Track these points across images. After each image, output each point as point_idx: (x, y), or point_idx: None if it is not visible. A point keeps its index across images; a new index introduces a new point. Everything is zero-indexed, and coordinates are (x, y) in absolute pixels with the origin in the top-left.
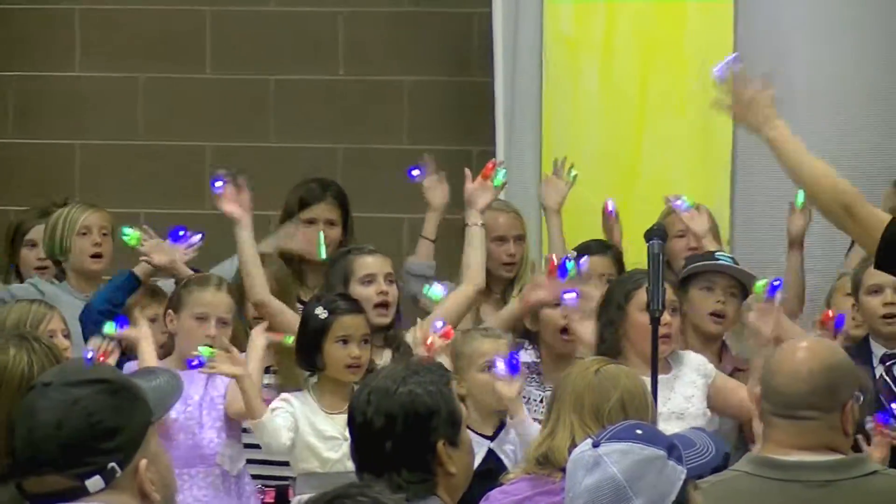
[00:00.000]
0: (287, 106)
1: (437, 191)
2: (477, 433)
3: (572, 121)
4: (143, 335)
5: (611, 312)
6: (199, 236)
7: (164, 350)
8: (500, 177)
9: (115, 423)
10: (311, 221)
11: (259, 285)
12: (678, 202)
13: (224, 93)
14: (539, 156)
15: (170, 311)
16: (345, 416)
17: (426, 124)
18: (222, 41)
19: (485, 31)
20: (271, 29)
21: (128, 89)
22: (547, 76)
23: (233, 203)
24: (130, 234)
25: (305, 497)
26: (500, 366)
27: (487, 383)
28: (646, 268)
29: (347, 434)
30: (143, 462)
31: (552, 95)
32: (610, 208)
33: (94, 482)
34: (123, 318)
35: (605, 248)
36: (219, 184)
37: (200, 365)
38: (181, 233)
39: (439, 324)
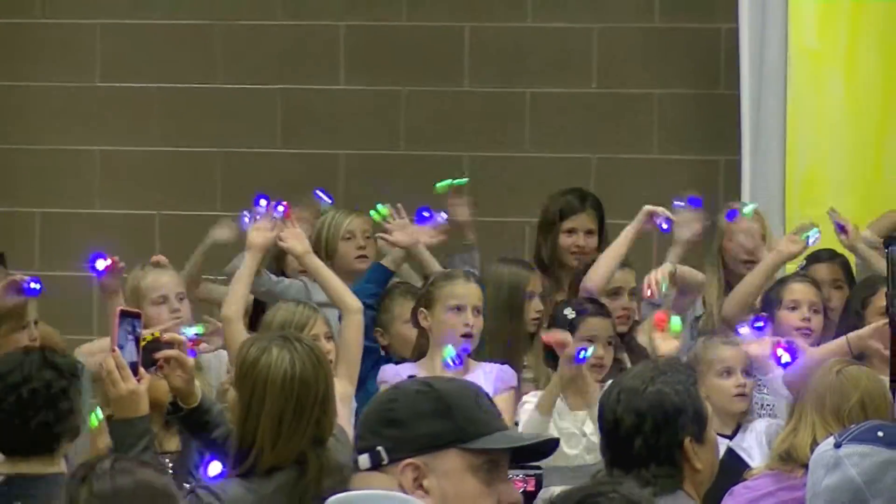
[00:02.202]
0: (542, 117)
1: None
2: (717, 434)
3: (816, 130)
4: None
5: (850, 319)
6: (444, 216)
7: (418, 351)
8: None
9: (405, 417)
10: (572, 231)
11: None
12: None
13: (481, 105)
14: (783, 165)
15: (422, 308)
16: (584, 414)
17: (675, 135)
18: (480, 55)
19: (731, 46)
20: (527, 44)
21: (389, 102)
22: (792, 88)
23: None
24: (380, 209)
25: (554, 489)
26: (745, 331)
27: (726, 388)
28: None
29: (585, 430)
30: (409, 461)
31: (797, 106)
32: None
33: (363, 459)
34: None
35: (833, 255)
36: None
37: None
38: (425, 213)
39: None
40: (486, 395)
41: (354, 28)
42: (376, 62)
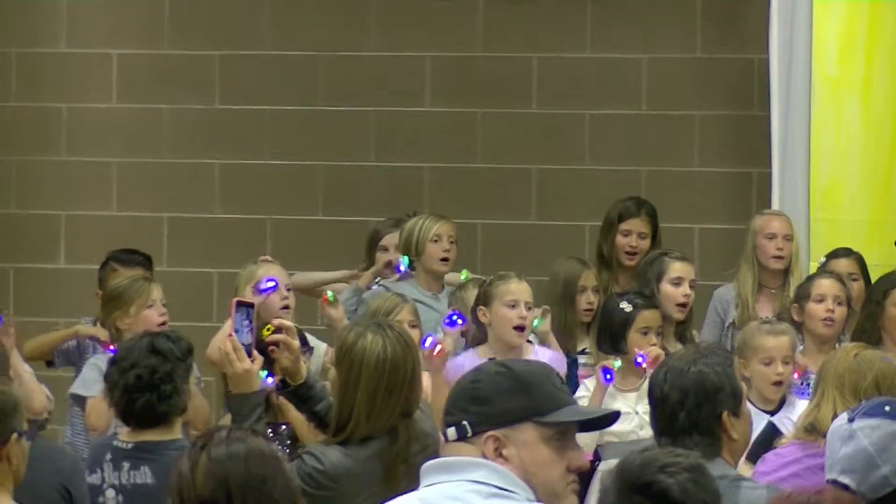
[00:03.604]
0: (599, 136)
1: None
2: (761, 409)
3: (836, 148)
4: None
5: (870, 307)
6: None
7: (475, 340)
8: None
9: (487, 394)
10: (627, 233)
11: None
12: None
13: (547, 125)
14: (808, 177)
15: (481, 306)
16: (636, 394)
17: (714, 151)
18: (547, 83)
19: (763, 74)
20: (586, 72)
21: (467, 122)
22: (815, 110)
23: None
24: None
25: (611, 462)
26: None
27: (766, 375)
28: None
29: (637, 409)
30: (491, 433)
31: (819, 127)
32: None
33: (451, 432)
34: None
35: (849, 252)
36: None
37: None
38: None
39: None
40: (557, 373)
41: (437, 58)
42: (456, 88)
